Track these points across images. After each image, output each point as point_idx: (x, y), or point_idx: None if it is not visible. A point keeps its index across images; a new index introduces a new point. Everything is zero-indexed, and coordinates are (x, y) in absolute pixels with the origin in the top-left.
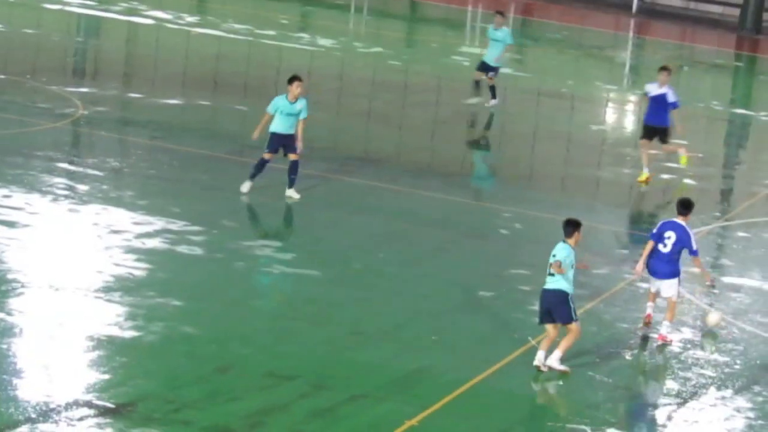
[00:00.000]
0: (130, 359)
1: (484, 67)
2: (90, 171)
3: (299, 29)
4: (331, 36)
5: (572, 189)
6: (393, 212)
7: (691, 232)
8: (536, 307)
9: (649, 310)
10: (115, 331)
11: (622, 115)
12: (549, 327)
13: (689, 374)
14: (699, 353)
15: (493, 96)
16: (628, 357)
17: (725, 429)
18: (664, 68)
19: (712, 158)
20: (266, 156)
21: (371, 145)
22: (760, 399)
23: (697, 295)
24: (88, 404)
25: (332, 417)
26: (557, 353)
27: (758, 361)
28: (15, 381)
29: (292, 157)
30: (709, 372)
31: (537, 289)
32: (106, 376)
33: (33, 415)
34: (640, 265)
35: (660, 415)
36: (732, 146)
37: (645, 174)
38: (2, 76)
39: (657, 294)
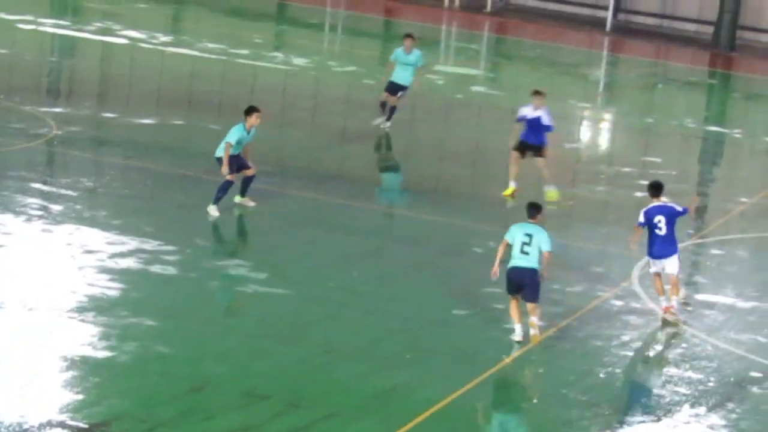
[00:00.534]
0: (103, 379)
1: (394, 89)
2: (64, 191)
3: (273, 48)
4: (306, 55)
5: (546, 207)
6: (367, 231)
7: (672, 203)
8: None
9: (664, 303)
10: (89, 351)
11: (596, 133)
12: (515, 302)
13: (663, 392)
14: (673, 371)
15: (389, 118)
16: (602, 375)
17: None
18: (537, 92)
19: (686, 176)
20: (231, 178)
21: (345, 163)
22: (734, 416)
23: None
24: (62, 424)
25: None
26: (534, 330)
27: (732, 378)
28: None
29: (249, 173)
30: (683, 389)
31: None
32: (80, 396)
33: None
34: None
35: None
36: (706, 164)
37: (511, 188)
38: None
39: (661, 275)
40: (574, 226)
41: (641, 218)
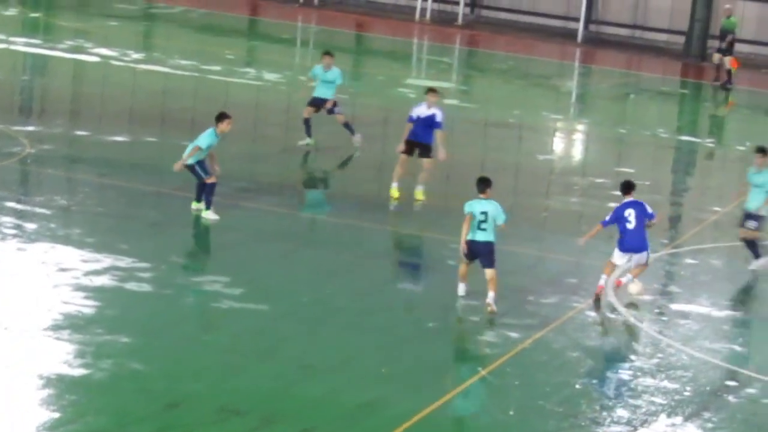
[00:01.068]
0: (79, 397)
1: (317, 103)
2: (37, 209)
3: (245, 64)
4: (277, 70)
5: (520, 218)
6: (341, 245)
7: (643, 202)
8: (486, 338)
9: (601, 282)
10: (65, 369)
11: (569, 144)
12: (466, 265)
13: (639, 402)
14: (649, 381)
15: (352, 132)
16: (578, 386)
17: None
18: (432, 90)
19: (659, 186)
20: (211, 180)
21: (318, 178)
22: (710, 425)
23: (646, 323)
24: None
25: None
26: (492, 295)
27: (708, 388)
28: None
29: (210, 180)
30: (659, 399)
31: (486, 319)
32: (56, 415)
33: None
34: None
35: None
36: (679, 173)
37: (395, 189)
38: None
39: (627, 267)
40: (548, 237)
41: (607, 217)
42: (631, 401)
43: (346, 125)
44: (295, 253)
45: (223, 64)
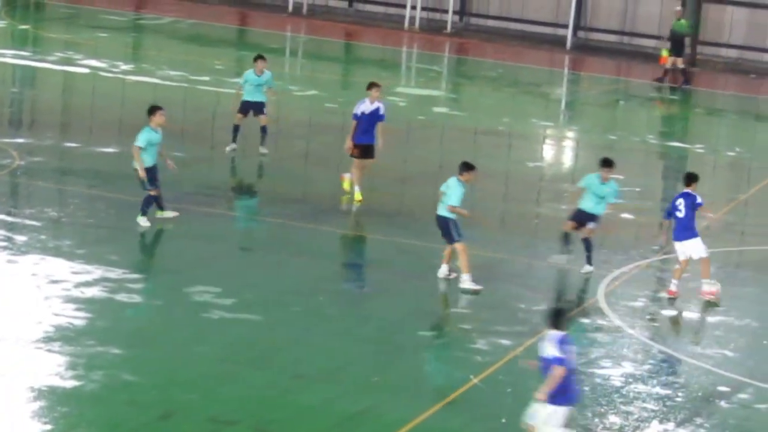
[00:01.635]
0: (71, 408)
1: (246, 108)
2: (28, 221)
3: (234, 74)
4: None
5: (511, 226)
6: (333, 254)
7: (696, 194)
8: (478, 346)
9: (673, 287)
10: (56, 381)
11: (559, 152)
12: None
13: (631, 408)
14: (641, 387)
15: (263, 141)
16: None
17: None
18: (374, 84)
19: (649, 192)
20: (154, 192)
21: (310, 187)
22: (702, 431)
23: (637, 329)
24: None
25: None
26: (464, 276)
27: (700, 393)
28: None
29: (154, 192)
30: (651, 405)
31: (477, 327)
32: (48, 427)
33: None
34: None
35: None
36: (669, 179)
37: (358, 193)
38: None
39: (688, 261)
40: (538, 244)
41: (669, 208)
42: (623, 407)
43: (264, 129)
44: (286, 262)
45: (212, 74)
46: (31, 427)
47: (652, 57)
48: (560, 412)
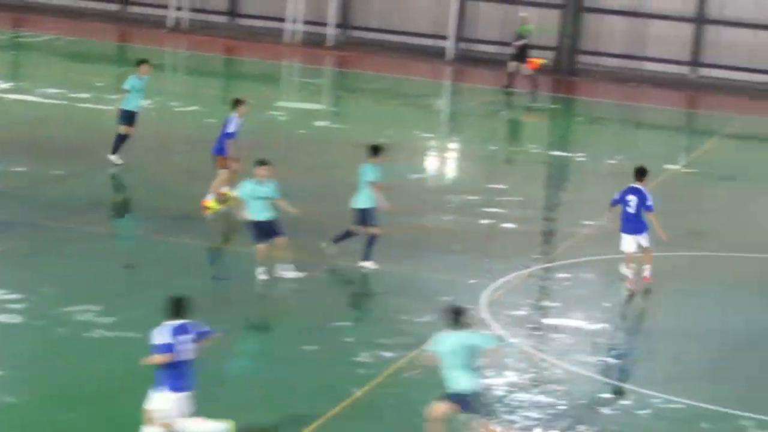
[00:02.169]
0: None
1: (131, 118)
2: None
3: (115, 91)
4: (148, 96)
5: (395, 238)
6: (213, 269)
7: (647, 192)
8: (361, 359)
9: (631, 275)
10: None
11: (442, 163)
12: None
13: (515, 417)
14: (524, 396)
15: (115, 151)
16: None
17: None
18: (241, 101)
19: (530, 201)
20: None
21: (192, 204)
22: None
23: (520, 338)
24: None
25: None
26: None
27: (583, 401)
28: None
29: None
30: (534, 414)
31: (360, 339)
32: None
33: None
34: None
35: None
36: (551, 188)
37: (228, 194)
38: None
39: (636, 251)
40: (422, 256)
41: (616, 196)
42: (506, 416)
43: (123, 139)
44: (169, 280)
45: (93, 91)
46: None
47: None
48: (172, 398)
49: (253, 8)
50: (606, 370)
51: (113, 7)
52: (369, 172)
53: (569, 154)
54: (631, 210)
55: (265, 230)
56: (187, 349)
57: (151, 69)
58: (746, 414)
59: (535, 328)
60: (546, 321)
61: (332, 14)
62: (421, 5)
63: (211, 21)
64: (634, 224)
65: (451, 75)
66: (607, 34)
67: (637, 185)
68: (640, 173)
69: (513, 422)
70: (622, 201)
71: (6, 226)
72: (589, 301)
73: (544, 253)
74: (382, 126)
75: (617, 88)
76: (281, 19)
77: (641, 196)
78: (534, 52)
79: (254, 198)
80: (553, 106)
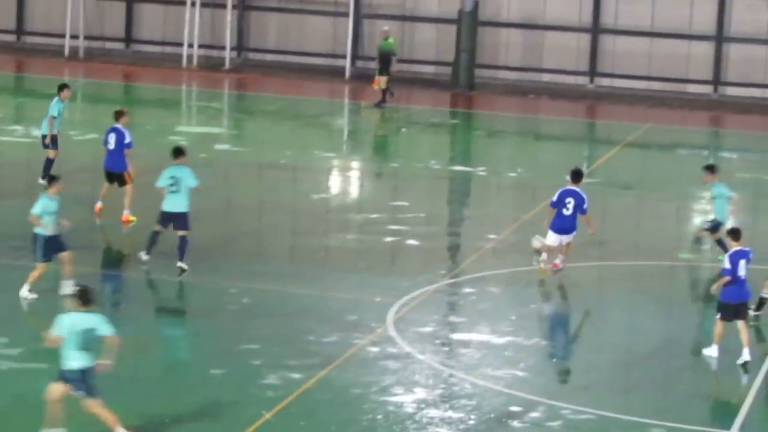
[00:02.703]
0: None
1: (56, 142)
2: None
3: (13, 122)
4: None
5: (300, 259)
6: (120, 298)
7: (585, 195)
8: (269, 381)
9: (546, 260)
10: None
11: (343, 182)
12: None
13: None
14: (433, 412)
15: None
16: (364, 422)
17: None
18: (122, 112)
19: (434, 217)
20: None
21: (95, 233)
22: None
23: (428, 354)
24: None
25: None
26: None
27: (492, 415)
28: None
29: None
30: (443, 430)
31: (267, 362)
32: None
33: None
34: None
35: None
36: (454, 203)
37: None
38: None
39: (557, 246)
40: (326, 276)
41: (554, 199)
42: None
43: (52, 163)
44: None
45: None
46: None
47: (432, 83)
48: None
49: (149, 34)
50: (514, 383)
51: (9, 37)
52: (188, 175)
53: (470, 169)
54: (568, 212)
55: (52, 246)
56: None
57: (70, 93)
58: (656, 422)
59: (442, 344)
60: (453, 336)
61: (228, 37)
62: (316, 25)
63: (108, 48)
64: (567, 225)
65: (349, 93)
66: (504, 46)
67: (574, 187)
68: (576, 176)
69: None
70: (560, 203)
71: None
72: (496, 315)
73: (449, 268)
74: (282, 147)
75: (516, 100)
76: (178, 44)
77: (579, 199)
78: (432, 69)
79: (47, 213)
80: (452, 121)
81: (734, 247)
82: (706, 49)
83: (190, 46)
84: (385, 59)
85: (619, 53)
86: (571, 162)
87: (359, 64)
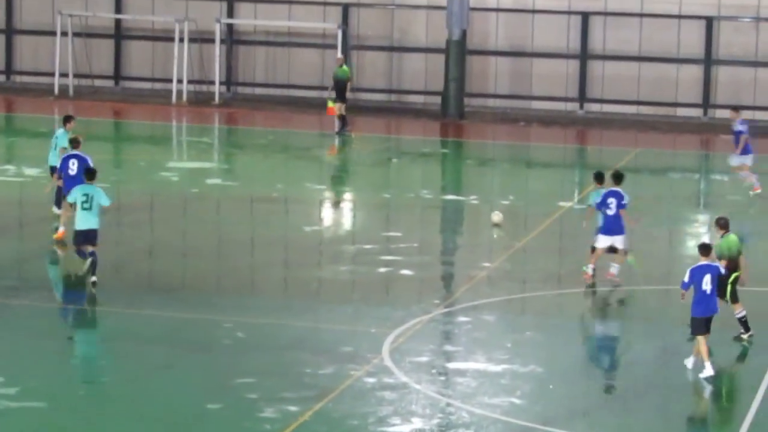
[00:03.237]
0: None
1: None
2: None
3: (5, 161)
4: (37, 165)
5: (293, 291)
6: (111, 333)
7: (623, 192)
8: (266, 414)
9: (589, 271)
10: None
11: (335, 214)
12: None
13: None
14: None
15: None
16: None
17: None
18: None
19: (426, 246)
20: None
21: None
22: None
23: (424, 384)
24: None
25: None
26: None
27: None
28: None
29: None
30: None
31: (264, 395)
32: None
33: None
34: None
35: None
36: (447, 232)
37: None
38: None
39: (608, 250)
40: (320, 307)
41: (598, 200)
42: None
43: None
44: (62, 347)
45: None
46: None
47: (422, 112)
48: None
49: (138, 70)
50: (511, 411)
51: None
52: (101, 195)
53: (462, 198)
54: (611, 212)
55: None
56: None
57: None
58: None
59: (439, 373)
60: (449, 365)
61: (218, 72)
62: (304, 58)
63: (98, 86)
64: (614, 226)
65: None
66: (493, 75)
67: (616, 188)
68: (617, 177)
69: None
70: (603, 204)
71: None
72: (491, 343)
73: (444, 297)
74: (273, 180)
75: (506, 128)
76: (167, 80)
77: (620, 198)
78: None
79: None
80: (443, 150)
81: (701, 261)
82: (695, 72)
83: (179, 81)
84: (340, 86)
85: (608, 78)
86: (563, 188)
87: (348, 95)
